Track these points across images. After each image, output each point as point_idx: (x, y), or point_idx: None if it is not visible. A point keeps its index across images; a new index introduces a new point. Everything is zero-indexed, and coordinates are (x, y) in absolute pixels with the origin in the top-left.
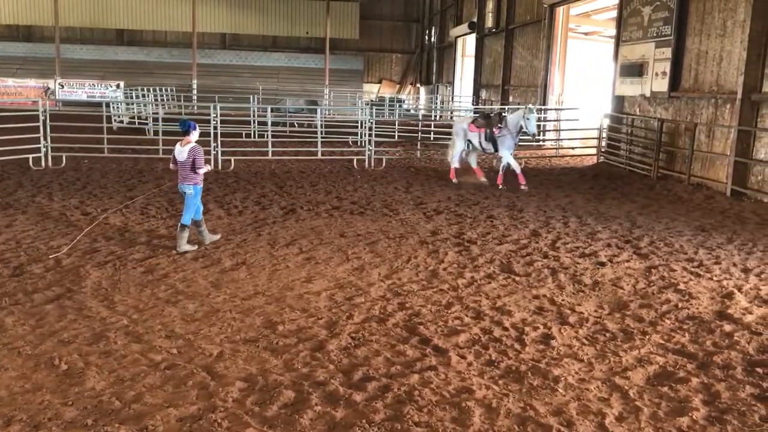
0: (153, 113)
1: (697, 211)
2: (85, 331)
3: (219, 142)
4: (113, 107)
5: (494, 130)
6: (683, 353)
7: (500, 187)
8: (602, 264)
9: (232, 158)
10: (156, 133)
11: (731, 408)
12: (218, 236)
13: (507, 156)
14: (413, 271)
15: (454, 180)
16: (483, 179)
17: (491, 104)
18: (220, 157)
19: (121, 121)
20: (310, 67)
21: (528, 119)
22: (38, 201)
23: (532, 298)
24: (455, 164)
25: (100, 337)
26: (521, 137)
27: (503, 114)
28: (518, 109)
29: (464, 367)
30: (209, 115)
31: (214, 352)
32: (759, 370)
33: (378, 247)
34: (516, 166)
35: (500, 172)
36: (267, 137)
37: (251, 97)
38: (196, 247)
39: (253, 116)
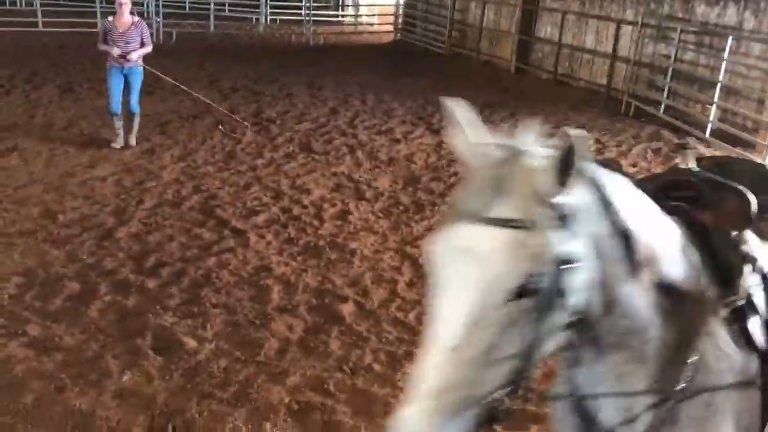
0: None
1: (484, 88)
2: None
3: None
4: None
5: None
6: None
7: None
8: (397, 140)
9: None
10: None
11: None
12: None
13: None
14: (209, 153)
15: None
16: None
17: None
18: None
19: None
20: None
21: None
22: None
23: (331, 176)
24: None
25: None
26: None
27: None
28: None
29: (263, 247)
30: None
31: None
32: None
33: (169, 128)
34: None
35: None
36: (36, 6)
37: None
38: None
39: None
